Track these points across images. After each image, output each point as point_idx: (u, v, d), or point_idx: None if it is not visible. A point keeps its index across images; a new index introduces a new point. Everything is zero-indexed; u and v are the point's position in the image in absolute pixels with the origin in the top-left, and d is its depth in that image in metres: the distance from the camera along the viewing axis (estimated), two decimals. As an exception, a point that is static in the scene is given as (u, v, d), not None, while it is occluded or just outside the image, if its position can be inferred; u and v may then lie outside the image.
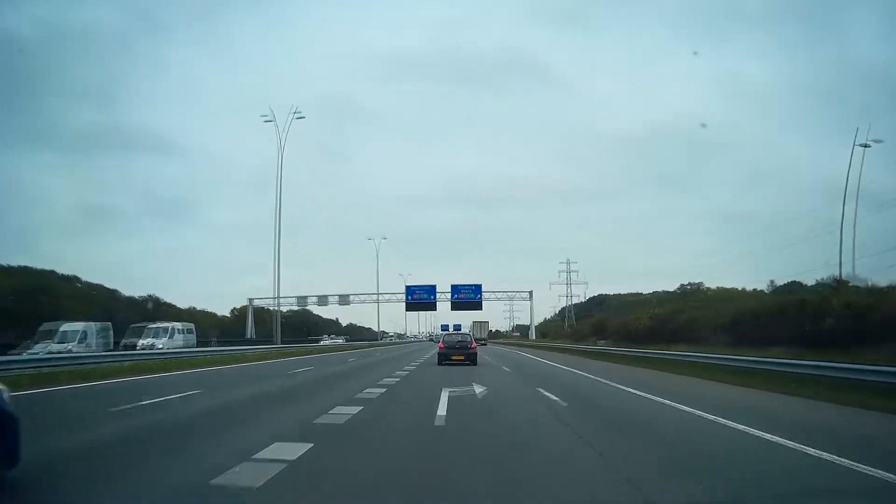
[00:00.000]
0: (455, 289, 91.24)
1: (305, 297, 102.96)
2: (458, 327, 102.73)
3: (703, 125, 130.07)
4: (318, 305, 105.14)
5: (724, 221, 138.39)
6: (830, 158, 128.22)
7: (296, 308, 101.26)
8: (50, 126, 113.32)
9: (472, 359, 25.30)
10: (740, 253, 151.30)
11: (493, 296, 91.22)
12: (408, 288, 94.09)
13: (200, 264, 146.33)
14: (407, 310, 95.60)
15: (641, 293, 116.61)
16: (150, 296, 66.50)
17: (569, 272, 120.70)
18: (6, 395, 4.94)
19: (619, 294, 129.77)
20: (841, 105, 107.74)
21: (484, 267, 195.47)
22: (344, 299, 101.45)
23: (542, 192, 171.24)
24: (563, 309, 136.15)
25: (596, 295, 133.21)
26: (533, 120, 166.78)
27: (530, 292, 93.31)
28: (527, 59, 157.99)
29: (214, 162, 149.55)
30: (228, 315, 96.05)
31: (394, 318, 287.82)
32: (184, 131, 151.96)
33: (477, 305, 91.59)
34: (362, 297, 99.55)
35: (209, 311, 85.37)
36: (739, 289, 69.77)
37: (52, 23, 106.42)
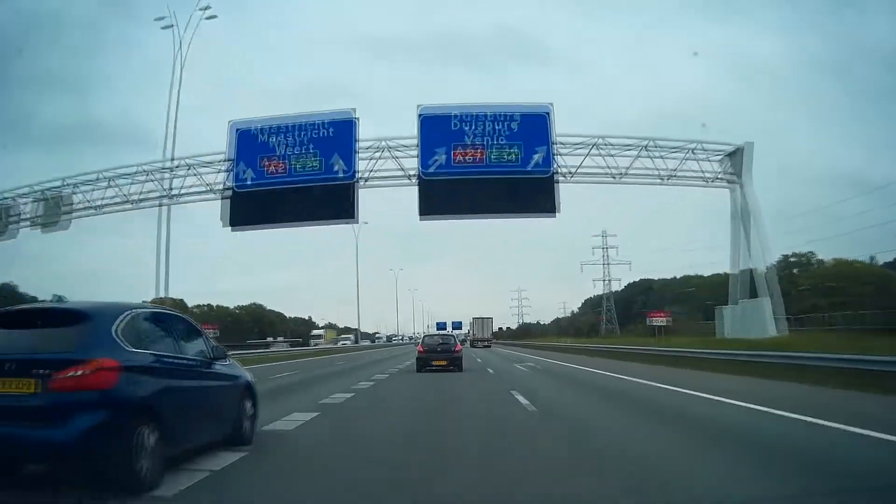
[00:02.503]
0: (437, 129, 21.41)
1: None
2: (457, 325, 79.78)
3: (703, 125, 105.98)
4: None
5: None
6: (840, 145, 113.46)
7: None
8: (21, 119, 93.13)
9: (456, 364, 21.27)
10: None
11: (608, 153, 21.79)
12: (235, 130, 23.37)
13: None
14: (234, 212, 24.32)
15: (701, 275, 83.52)
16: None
17: (605, 248, 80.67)
18: (250, 374, 7.83)
19: (672, 278, 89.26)
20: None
21: (480, 264, 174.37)
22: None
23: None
24: (588, 300, 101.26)
25: (636, 280, 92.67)
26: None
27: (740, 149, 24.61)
28: (523, 39, 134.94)
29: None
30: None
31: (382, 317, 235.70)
32: (161, 122, 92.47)
33: (533, 189, 22.53)
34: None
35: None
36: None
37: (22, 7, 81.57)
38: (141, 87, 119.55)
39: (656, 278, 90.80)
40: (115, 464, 4.90)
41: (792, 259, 77.82)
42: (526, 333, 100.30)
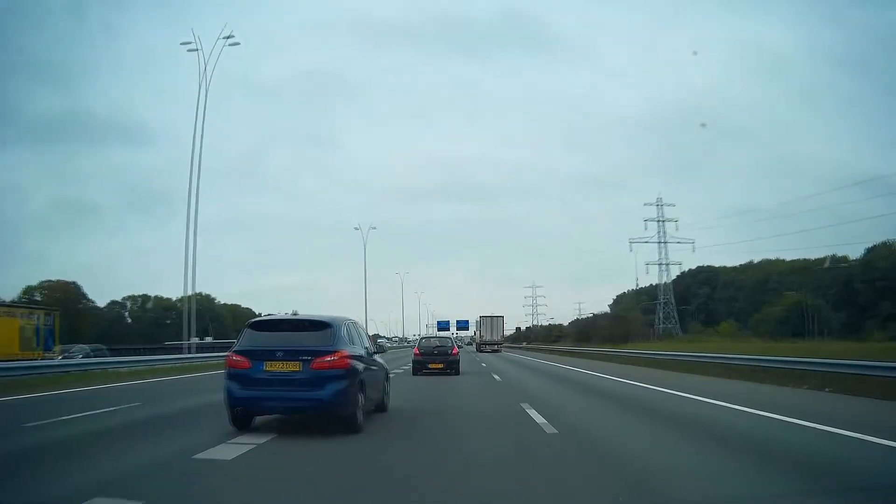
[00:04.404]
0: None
1: None
2: (463, 324, 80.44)
3: (703, 125, 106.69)
4: None
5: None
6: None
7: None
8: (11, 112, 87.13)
9: (453, 367, 21.66)
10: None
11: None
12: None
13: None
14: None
15: (782, 259, 72.29)
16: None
17: (661, 222, 64.63)
18: (387, 364, 11.43)
19: (749, 262, 75.79)
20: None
21: (482, 264, 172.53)
22: None
23: (548, 179, 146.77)
24: (622, 296, 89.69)
25: (694, 268, 77.43)
26: (537, 97, 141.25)
27: None
28: (530, 24, 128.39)
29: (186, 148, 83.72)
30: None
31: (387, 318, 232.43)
32: (153, 116, 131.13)
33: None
34: None
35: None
36: None
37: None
38: (132, 78, 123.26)
39: (717, 265, 77.63)
40: (348, 414, 8.25)
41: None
42: (582, 337, 66.84)
